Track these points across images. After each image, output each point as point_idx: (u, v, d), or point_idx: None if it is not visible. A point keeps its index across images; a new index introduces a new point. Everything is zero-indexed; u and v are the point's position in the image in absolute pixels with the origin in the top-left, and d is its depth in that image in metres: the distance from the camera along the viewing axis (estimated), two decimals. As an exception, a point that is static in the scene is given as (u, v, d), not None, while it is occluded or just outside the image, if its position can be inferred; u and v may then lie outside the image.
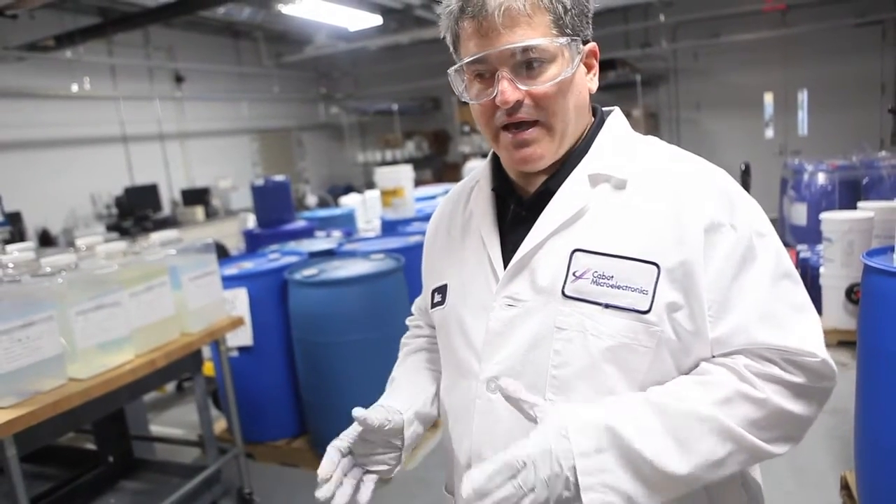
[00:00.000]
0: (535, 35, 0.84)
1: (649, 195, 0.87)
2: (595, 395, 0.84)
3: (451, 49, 0.92)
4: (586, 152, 0.93)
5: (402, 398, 1.06)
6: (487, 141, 0.94)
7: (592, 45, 0.92)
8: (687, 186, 0.87)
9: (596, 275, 0.85)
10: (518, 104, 0.85)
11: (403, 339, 1.26)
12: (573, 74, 0.87)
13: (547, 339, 0.86)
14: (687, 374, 0.87)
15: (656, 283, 0.82)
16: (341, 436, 0.99)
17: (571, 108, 0.89)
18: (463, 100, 0.92)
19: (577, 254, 0.86)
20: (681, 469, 0.78)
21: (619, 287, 0.83)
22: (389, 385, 1.13)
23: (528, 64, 0.85)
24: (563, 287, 0.86)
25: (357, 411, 0.96)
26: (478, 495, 0.74)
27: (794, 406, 0.83)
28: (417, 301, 1.26)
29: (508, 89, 0.84)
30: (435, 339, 1.16)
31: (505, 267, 0.92)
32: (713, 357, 0.86)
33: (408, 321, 1.29)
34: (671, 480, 0.78)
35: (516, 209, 0.96)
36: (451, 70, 0.90)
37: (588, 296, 0.84)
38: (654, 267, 0.83)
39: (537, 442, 0.77)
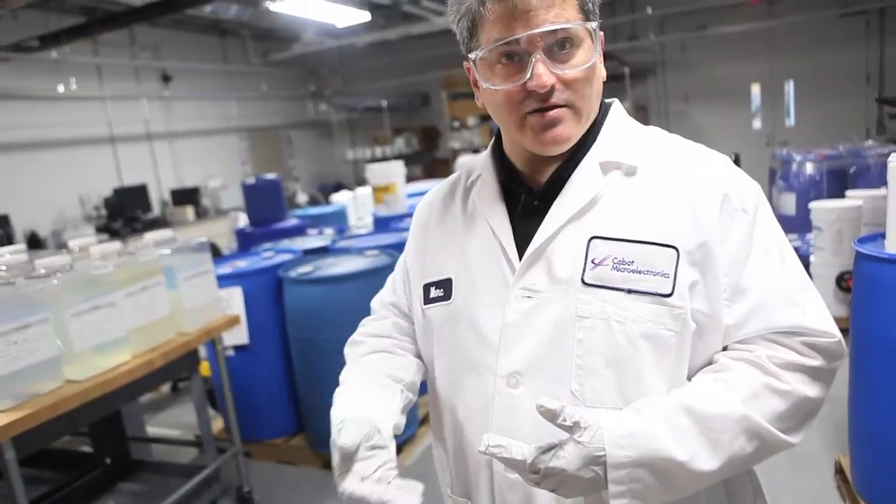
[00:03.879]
0: (568, 17, 0.82)
1: (660, 181, 0.88)
2: (623, 382, 0.84)
3: (466, 35, 0.88)
4: (594, 141, 0.93)
5: (372, 408, 0.96)
6: (507, 128, 0.91)
7: (601, 32, 0.91)
8: (697, 172, 0.88)
9: (616, 261, 0.84)
10: (552, 89, 0.83)
11: (355, 337, 1.14)
12: (597, 60, 0.87)
13: (569, 329, 0.85)
14: (700, 368, 0.87)
15: (676, 266, 0.83)
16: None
17: (595, 93, 0.89)
18: (483, 87, 0.88)
19: (594, 241, 0.86)
20: (711, 468, 0.79)
21: (640, 272, 0.83)
22: (356, 391, 1.02)
23: (559, 47, 0.83)
24: (583, 275, 0.85)
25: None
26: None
27: (812, 390, 0.84)
28: (384, 298, 1.18)
29: (545, 73, 0.81)
30: (398, 341, 1.09)
31: (519, 258, 0.90)
32: (727, 348, 0.87)
33: (365, 320, 1.18)
34: (700, 478, 0.79)
35: (527, 199, 0.94)
36: (475, 55, 0.86)
37: (609, 282, 0.84)
38: (674, 250, 0.83)
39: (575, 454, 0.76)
